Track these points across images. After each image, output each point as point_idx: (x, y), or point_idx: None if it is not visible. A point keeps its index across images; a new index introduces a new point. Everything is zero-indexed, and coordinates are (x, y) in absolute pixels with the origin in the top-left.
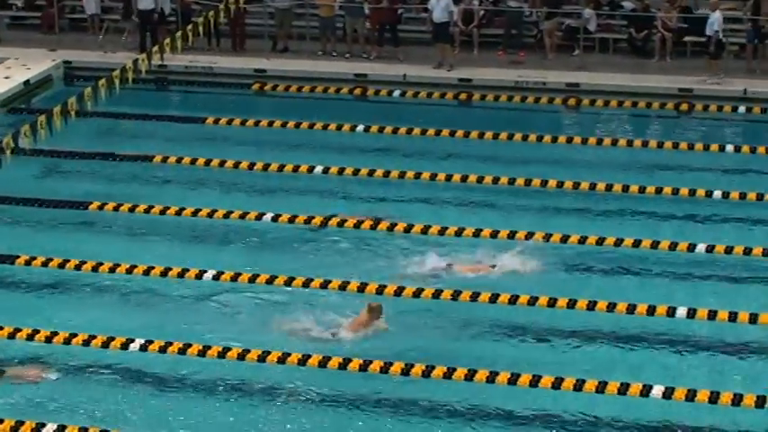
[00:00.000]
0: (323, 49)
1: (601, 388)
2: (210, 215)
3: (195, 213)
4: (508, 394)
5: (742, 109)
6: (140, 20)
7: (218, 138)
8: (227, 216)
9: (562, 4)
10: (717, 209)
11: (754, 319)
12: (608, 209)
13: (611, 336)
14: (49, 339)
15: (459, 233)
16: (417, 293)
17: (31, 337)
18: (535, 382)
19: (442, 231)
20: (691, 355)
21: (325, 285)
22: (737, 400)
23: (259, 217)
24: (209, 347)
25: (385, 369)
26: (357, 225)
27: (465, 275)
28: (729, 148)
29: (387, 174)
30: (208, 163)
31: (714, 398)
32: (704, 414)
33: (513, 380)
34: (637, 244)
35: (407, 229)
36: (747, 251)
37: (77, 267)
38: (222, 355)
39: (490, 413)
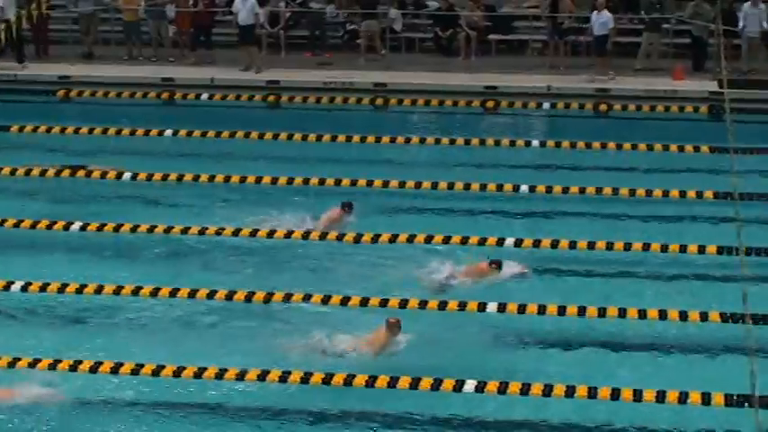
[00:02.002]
0: (128, 53)
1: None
2: (17, 225)
3: (2, 223)
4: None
5: (546, 105)
6: None
7: (23, 146)
8: (33, 226)
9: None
10: (523, 203)
11: (562, 311)
12: (418, 206)
13: None
14: None
15: (270, 235)
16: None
17: None
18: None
19: (253, 233)
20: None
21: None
22: None
23: (67, 227)
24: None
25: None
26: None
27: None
28: (535, 143)
29: (196, 178)
30: (13, 172)
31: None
32: None
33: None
34: (447, 240)
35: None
36: (555, 244)
37: None
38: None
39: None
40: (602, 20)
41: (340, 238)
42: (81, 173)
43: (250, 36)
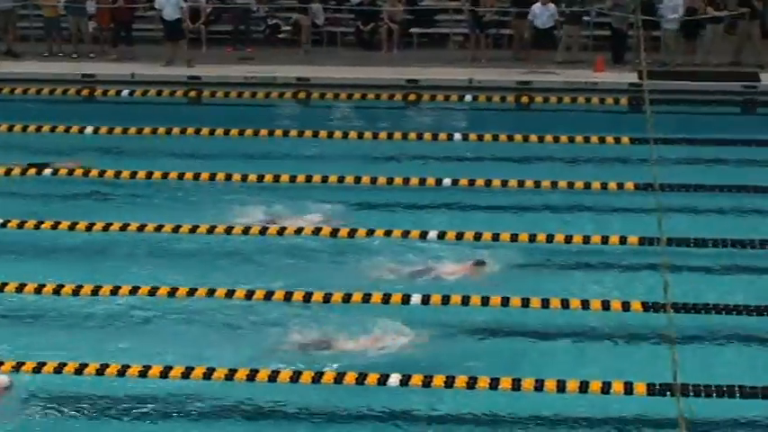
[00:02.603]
0: (48, 50)
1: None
2: None
3: None
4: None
5: (468, 98)
6: None
7: None
8: None
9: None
10: (447, 196)
11: (485, 302)
12: (343, 200)
13: None
14: None
15: (193, 230)
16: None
17: None
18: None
19: (175, 230)
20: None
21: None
22: None
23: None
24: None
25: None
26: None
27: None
28: (457, 136)
29: (117, 174)
30: None
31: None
32: None
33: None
34: (370, 233)
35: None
36: (477, 236)
37: None
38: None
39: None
40: (549, 12)
41: (263, 231)
42: (0, 170)
43: (178, 31)
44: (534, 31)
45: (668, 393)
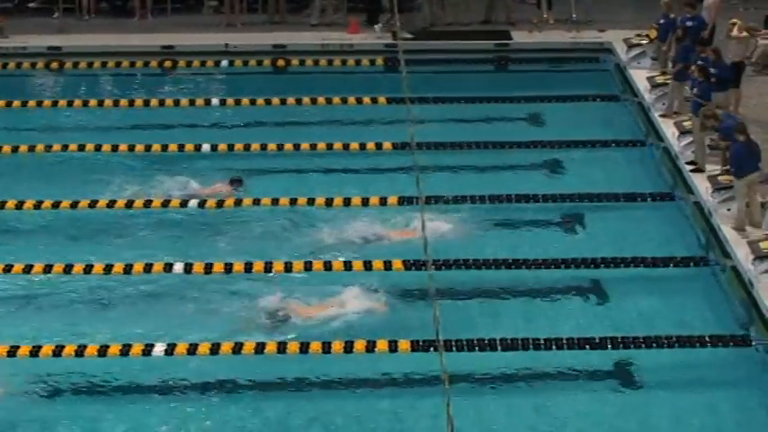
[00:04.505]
0: None
1: None
2: None
3: None
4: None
5: (225, 63)
6: None
7: None
8: None
9: None
10: (206, 162)
11: (249, 268)
12: (101, 169)
13: None
14: None
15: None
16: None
17: None
18: None
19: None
20: None
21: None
22: None
23: None
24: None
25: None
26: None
27: None
28: (215, 101)
29: None
30: None
31: None
32: None
33: None
34: (129, 205)
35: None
36: (238, 202)
37: None
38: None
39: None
40: None
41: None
42: None
43: None
44: None
45: (432, 349)
